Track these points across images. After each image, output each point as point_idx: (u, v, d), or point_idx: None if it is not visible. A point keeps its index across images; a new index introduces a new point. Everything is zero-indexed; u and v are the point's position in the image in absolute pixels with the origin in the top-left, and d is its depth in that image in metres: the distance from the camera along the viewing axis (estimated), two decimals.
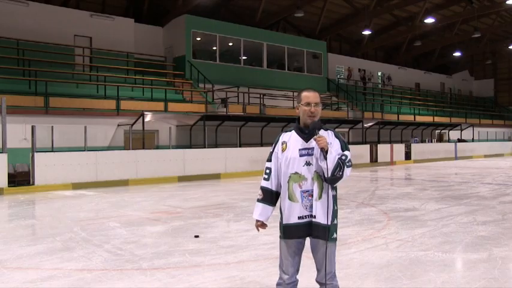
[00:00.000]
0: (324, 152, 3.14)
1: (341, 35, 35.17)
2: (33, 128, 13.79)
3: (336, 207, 3.35)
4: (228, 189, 14.29)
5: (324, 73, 30.57)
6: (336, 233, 3.36)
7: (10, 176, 13.26)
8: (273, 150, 3.44)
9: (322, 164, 3.17)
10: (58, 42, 20.12)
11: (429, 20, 30.40)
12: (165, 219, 8.76)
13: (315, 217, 3.26)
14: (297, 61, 29.46)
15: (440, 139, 34.32)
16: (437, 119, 34.97)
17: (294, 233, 3.32)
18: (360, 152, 23.71)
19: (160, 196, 12.51)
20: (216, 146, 19.57)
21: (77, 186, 14.12)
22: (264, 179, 3.44)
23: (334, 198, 3.34)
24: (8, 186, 13.03)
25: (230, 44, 25.95)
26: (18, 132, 14.83)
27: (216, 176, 17.51)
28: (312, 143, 3.24)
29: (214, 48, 24.94)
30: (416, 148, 27.58)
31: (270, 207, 3.44)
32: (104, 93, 18.58)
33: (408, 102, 36.24)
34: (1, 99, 13.33)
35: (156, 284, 4.86)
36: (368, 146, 24.74)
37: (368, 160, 24.20)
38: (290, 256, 3.37)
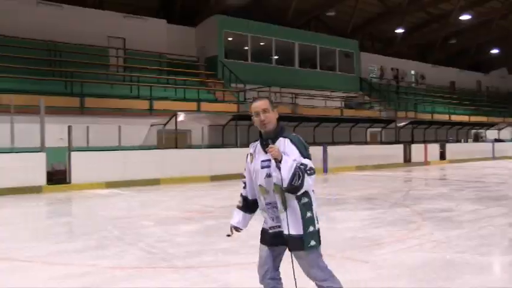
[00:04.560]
0: (277, 162, 3.04)
1: (373, 34, 34.73)
2: (69, 128, 14.10)
3: (309, 214, 3.17)
4: None
5: (356, 72, 30.27)
6: (315, 240, 3.17)
7: (48, 174, 13.60)
8: (246, 160, 3.47)
9: (276, 174, 3.07)
10: (93, 44, 20.50)
11: (465, 17, 29.70)
12: (197, 218, 8.82)
13: (282, 229, 3.19)
14: (329, 60, 29.24)
15: (476, 139, 33.51)
16: (473, 119, 34.14)
17: (265, 240, 3.33)
18: (392, 152, 23.40)
19: (192, 195, 12.61)
20: (248, 145, 19.54)
21: (110, 185, 14.35)
22: (243, 187, 3.50)
23: (307, 205, 3.17)
24: (47, 184, 13.37)
25: (262, 43, 25.97)
26: (55, 132, 15.17)
27: None
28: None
29: (246, 48, 25.00)
30: (452, 148, 27.01)
31: (248, 215, 3.47)
32: (138, 93, 18.85)
33: (443, 101, 35.54)
34: (40, 100, 13.70)
35: (189, 282, 4.90)
36: (401, 145, 24.36)
37: (401, 160, 23.83)
38: (259, 259, 3.39)
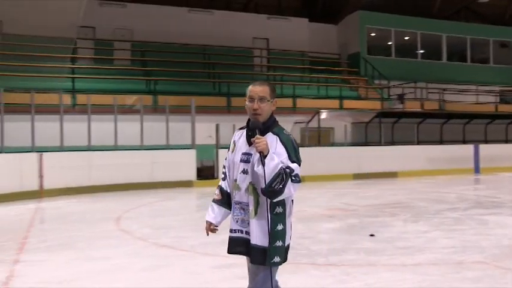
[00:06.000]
0: (262, 156, 2.61)
1: None
2: (217, 126, 14.94)
3: (281, 227, 2.80)
4: (405, 188, 13.79)
5: None
6: (281, 257, 2.82)
7: (198, 170, 14.55)
8: (228, 149, 3.05)
9: (258, 170, 2.64)
10: (238, 45, 21.47)
11: None
12: (340, 216, 8.78)
13: (248, 234, 2.81)
14: (482, 52, 27.14)
15: None
16: None
17: (231, 247, 2.92)
18: None
19: (335, 193, 12.58)
20: (392, 143, 19.02)
21: None
22: (222, 178, 3.06)
23: (280, 216, 2.80)
24: (197, 179, 14.31)
25: (406, 37, 25.04)
26: (204, 130, 16.13)
27: (392, 175, 16.97)
28: (253, 148, 2.71)
29: (390, 43, 24.29)
30: None
31: (224, 210, 3.00)
32: (281, 92, 19.28)
33: None
34: (191, 100, 14.72)
35: (330, 279, 4.89)
36: None
37: None
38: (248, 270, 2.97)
